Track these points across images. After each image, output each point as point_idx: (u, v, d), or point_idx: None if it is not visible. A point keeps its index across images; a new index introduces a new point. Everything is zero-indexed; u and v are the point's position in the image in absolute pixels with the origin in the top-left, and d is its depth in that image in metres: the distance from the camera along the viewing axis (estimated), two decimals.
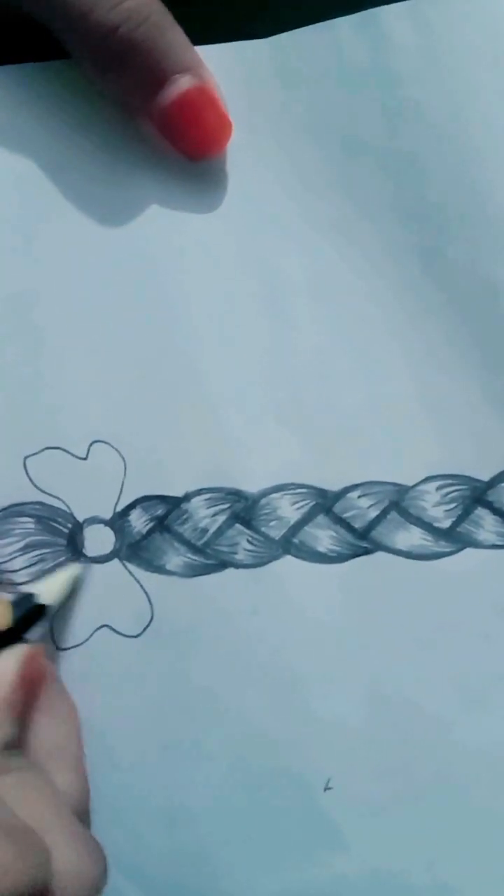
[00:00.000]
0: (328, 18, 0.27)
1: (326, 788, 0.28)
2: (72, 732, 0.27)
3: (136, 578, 0.28)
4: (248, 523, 0.28)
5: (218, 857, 0.28)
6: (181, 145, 0.27)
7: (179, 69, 0.26)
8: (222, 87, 0.27)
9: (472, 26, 0.26)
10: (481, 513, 0.27)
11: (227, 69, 0.27)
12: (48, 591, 0.28)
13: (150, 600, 0.28)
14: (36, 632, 0.27)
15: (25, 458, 0.28)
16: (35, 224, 0.28)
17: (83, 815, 0.26)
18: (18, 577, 0.28)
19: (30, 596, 0.27)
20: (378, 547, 0.28)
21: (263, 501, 0.28)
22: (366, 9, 0.26)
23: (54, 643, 0.28)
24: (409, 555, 0.28)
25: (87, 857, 0.24)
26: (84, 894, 0.23)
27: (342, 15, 0.27)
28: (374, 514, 0.28)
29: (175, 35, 0.26)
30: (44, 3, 0.25)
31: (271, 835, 0.28)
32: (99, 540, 0.28)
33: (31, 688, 0.26)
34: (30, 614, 0.27)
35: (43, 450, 0.28)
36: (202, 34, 0.27)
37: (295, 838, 0.28)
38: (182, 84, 0.26)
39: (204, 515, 0.28)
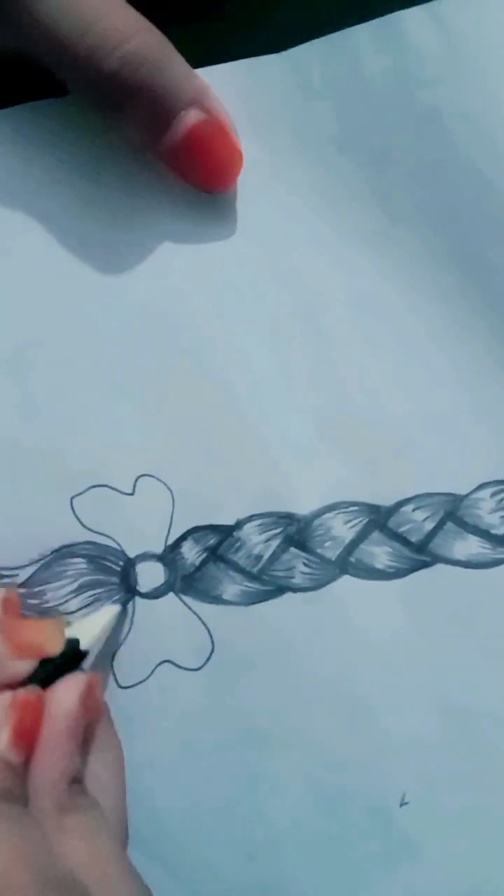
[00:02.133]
0: (336, 28, 0.26)
1: (403, 803, 0.28)
2: (120, 770, 0.27)
3: (193, 611, 0.28)
4: (302, 546, 0.28)
5: (299, 885, 0.28)
6: (193, 180, 0.27)
7: (184, 104, 0.25)
8: (237, 105, 0.27)
9: (493, 26, 0.25)
10: None
11: (242, 87, 0.27)
12: (87, 634, 0.27)
13: (209, 632, 0.28)
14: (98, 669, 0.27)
15: (72, 498, 0.28)
16: (55, 265, 0.28)
17: (125, 844, 0.26)
18: (75, 619, 0.28)
19: (75, 641, 0.26)
20: (436, 559, 0.27)
21: (316, 523, 0.28)
22: (366, 15, 0.26)
23: (116, 682, 0.28)
24: (468, 564, 0.27)
25: None
26: None
27: (348, 24, 0.26)
28: (429, 526, 0.27)
29: (176, 69, 0.25)
30: (45, 47, 0.25)
31: (350, 856, 0.28)
32: (152, 575, 0.28)
33: (91, 718, 0.26)
34: (72, 658, 0.26)
35: (89, 488, 0.28)
36: (212, 54, 0.27)
37: (374, 857, 0.28)
38: (188, 120, 0.25)
39: (257, 542, 0.28)
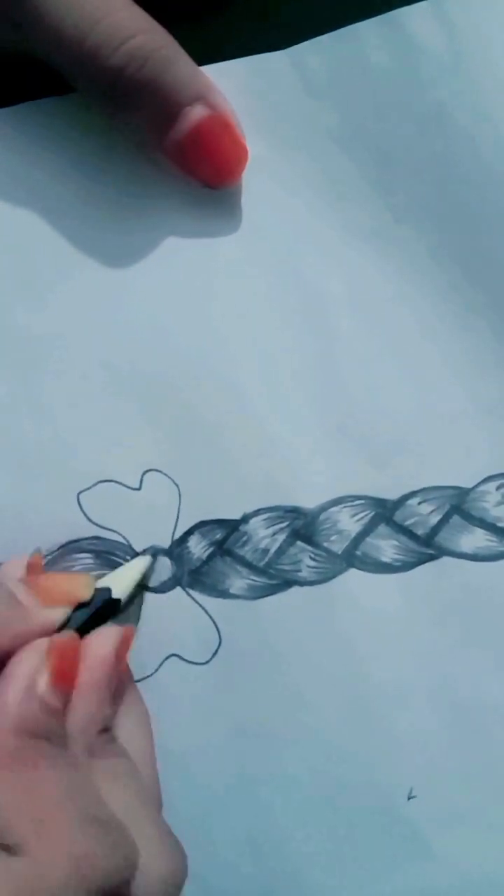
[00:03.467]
0: (339, 25, 0.26)
1: (410, 797, 0.28)
2: (148, 734, 0.27)
3: (200, 605, 0.28)
4: (309, 539, 0.28)
5: (307, 878, 0.28)
6: (198, 175, 0.27)
7: (189, 100, 0.25)
8: (242, 102, 0.27)
9: (496, 22, 0.26)
10: None
11: (246, 84, 0.27)
12: (118, 584, 0.27)
13: (216, 626, 0.28)
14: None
15: (79, 493, 0.28)
16: (61, 263, 0.28)
17: (159, 804, 0.26)
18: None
19: (106, 590, 0.27)
20: (442, 552, 0.27)
21: (323, 516, 0.28)
22: (370, 11, 0.26)
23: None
24: (474, 557, 0.27)
25: (170, 854, 0.24)
26: (166, 891, 0.24)
27: (351, 20, 0.26)
28: (435, 519, 0.27)
29: (182, 65, 0.25)
30: (50, 45, 0.25)
31: (358, 849, 0.28)
32: (159, 569, 0.28)
33: (125, 671, 0.26)
34: (105, 608, 0.26)
35: (96, 484, 0.28)
36: (216, 51, 0.27)
37: (382, 851, 0.28)
38: (194, 116, 0.26)
39: (264, 536, 0.28)
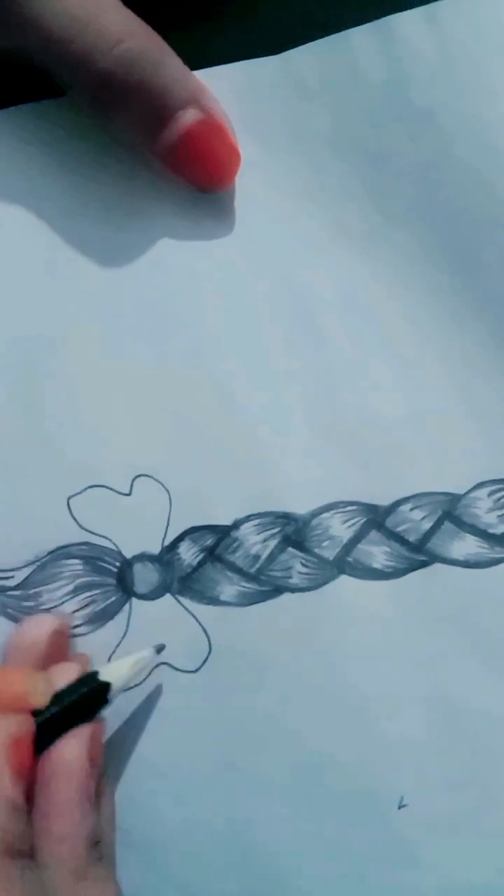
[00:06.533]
0: (332, 30, 0.26)
1: (400, 806, 0.28)
2: (113, 820, 0.26)
3: (190, 612, 0.28)
4: (300, 546, 0.28)
5: (296, 888, 0.28)
6: (191, 179, 0.27)
7: (181, 104, 0.25)
8: (235, 106, 0.27)
9: (488, 28, 0.26)
10: None
11: (239, 88, 0.27)
12: (113, 673, 0.26)
13: (206, 633, 0.28)
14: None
15: (68, 498, 0.28)
16: (53, 265, 0.28)
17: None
18: (72, 621, 0.28)
19: (94, 674, 0.26)
20: (434, 558, 0.27)
21: (314, 522, 0.28)
22: (363, 17, 0.26)
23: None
24: (466, 564, 0.27)
25: None
26: None
27: (344, 26, 0.26)
28: (427, 525, 0.27)
29: (173, 68, 0.25)
30: (40, 48, 0.25)
31: (348, 858, 0.28)
32: (149, 576, 0.28)
33: (98, 771, 0.25)
34: (92, 695, 0.25)
35: (85, 489, 0.28)
36: (209, 56, 0.27)
37: (372, 859, 0.28)
38: (185, 119, 0.25)
39: (255, 542, 0.28)
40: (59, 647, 0.27)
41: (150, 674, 0.28)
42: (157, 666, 0.28)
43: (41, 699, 0.24)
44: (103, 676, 0.26)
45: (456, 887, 0.28)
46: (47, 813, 0.23)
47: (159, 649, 0.27)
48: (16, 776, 0.23)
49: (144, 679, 0.28)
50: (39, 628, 0.26)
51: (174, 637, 0.28)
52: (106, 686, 0.25)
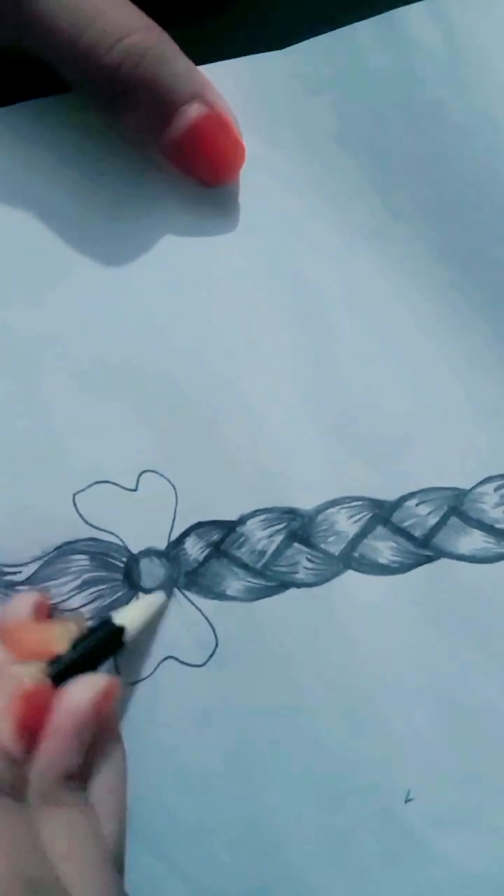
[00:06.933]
0: (338, 25, 0.26)
1: (408, 799, 0.28)
2: (122, 779, 0.26)
3: (196, 607, 0.28)
4: (306, 541, 0.28)
5: (304, 879, 0.28)
6: (196, 174, 0.27)
7: (186, 98, 0.25)
8: (240, 101, 0.27)
9: (495, 22, 0.25)
10: None
11: (244, 83, 0.27)
12: (127, 616, 0.27)
13: (212, 628, 0.28)
14: (101, 668, 0.27)
15: (74, 494, 0.28)
16: (58, 260, 0.28)
17: (119, 864, 0.25)
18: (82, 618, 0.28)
19: (108, 619, 0.26)
20: (440, 554, 0.27)
21: (320, 518, 0.28)
22: (369, 11, 0.26)
23: (120, 678, 0.28)
24: (472, 559, 0.27)
25: None
26: None
27: (350, 20, 0.26)
28: (433, 520, 0.27)
29: (178, 63, 0.25)
30: (46, 44, 0.25)
31: (355, 853, 0.28)
32: (155, 571, 0.28)
33: (102, 722, 0.25)
34: (108, 639, 0.26)
35: (91, 485, 0.28)
36: (214, 51, 0.27)
37: (381, 853, 0.28)
38: (190, 114, 0.25)
39: (261, 537, 0.28)
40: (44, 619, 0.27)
41: (156, 669, 0.28)
42: (164, 660, 0.28)
43: (63, 644, 0.25)
44: (118, 621, 0.26)
45: (462, 881, 0.28)
46: (39, 739, 0.24)
47: (169, 593, 0.28)
48: (19, 730, 0.23)
49: (151, 673, 0.28)
50: (22, 603, 0.27)
51: (181, 631, 0.28)
52: (120, 630, 0.26)
